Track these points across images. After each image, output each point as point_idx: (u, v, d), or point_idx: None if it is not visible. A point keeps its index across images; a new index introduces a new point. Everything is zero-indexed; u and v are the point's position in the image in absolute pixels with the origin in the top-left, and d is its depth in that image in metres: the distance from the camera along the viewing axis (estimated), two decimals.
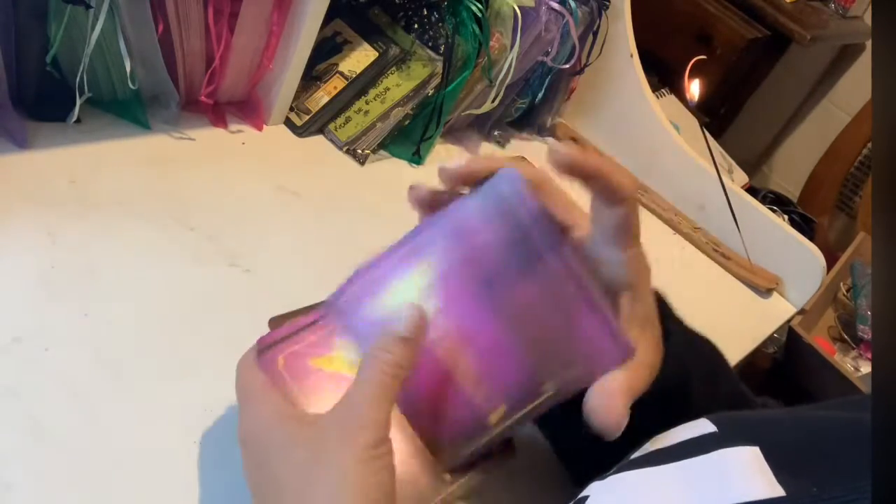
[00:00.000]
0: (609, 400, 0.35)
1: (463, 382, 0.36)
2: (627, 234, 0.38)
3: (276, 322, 0.41)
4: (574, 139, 1.03)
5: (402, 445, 0.36)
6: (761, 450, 0.32)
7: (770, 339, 1.07)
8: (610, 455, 0.38)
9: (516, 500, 0.52)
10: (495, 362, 0.37)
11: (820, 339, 1.25)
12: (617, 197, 0.37)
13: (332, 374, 0.37)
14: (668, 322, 0.43)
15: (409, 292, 0.38)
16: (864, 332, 1.29)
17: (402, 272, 0.38)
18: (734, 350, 0.80)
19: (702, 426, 0.36)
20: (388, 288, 0.39)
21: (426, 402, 0.37)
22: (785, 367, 1.22)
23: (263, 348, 0.39)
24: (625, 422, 0.35)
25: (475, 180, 0.39)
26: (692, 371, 0.44)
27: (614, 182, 0.36)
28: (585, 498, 0.35)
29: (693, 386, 0.43)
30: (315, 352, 0.38)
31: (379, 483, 0.32)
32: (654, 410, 0.39)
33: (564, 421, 0.44)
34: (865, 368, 1.25)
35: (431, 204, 0.41)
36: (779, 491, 0.29)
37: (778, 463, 0.31)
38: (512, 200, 0.37)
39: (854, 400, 0.38)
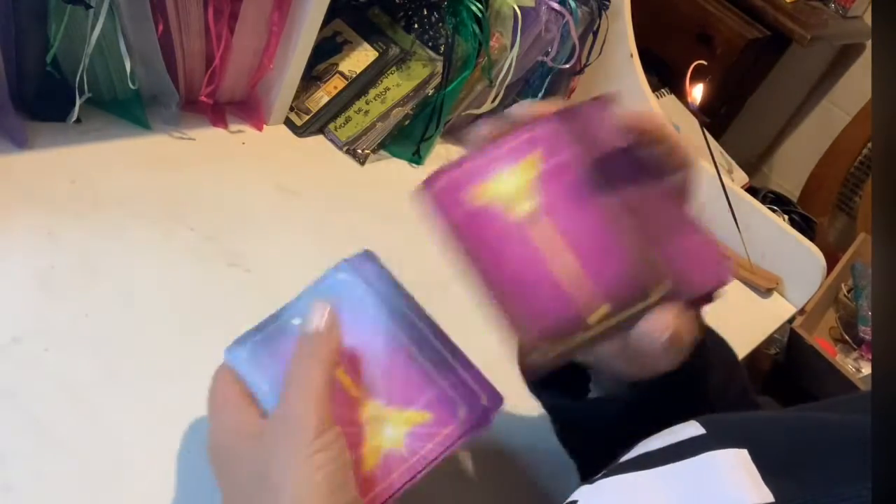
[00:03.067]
0: (654, 324, 0.35)
1: (564, 277, 0.36)
2: (686, 194, 0.39)
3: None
4: None
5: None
6: (749, 452, 0.32)
7: (770, 340, 1.07)
8: (617, 443, 0.38)
9: (505, 502, 0.52)
10: (602, 260, 0.36)
11: (821, 341, 1.25)
12: (679, 161, 0.38)
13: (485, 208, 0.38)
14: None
15: (515, 181, 0.38)
16: (866, 333, 1.29)
17: (512, 161, 0.38)
18: (734, 350, 0.80)
19: (690, 429, 0.35)
20: (493, 176, 0.38)
21: (523, 294, 0.36)
22: (786, 369, 1.22)
23: (232, 349, 0.40)
24: (661, 346, 0.34)
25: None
26: (712, 363, 0.44)
27: (675, 147, 0.37)
28: (574, 502, 0.35)
29: (710, 379, 0.43)
30: (472, 181, 0.38)
31: (328, 475, 0.32)
32: (670, 395, 0.39)
33: (575, 420, 0.44)
34: (867, 370, 1.25)
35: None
36: (766, 494, 0.29)
37: (766, 465, 0.31)
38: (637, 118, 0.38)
39: (845, 400, 0.38)
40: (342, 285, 0.40)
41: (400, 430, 0.37)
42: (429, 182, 0.38)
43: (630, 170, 0.38)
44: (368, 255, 0.42)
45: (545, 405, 0.47)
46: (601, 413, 0.43)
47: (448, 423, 0.37)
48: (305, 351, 0.36)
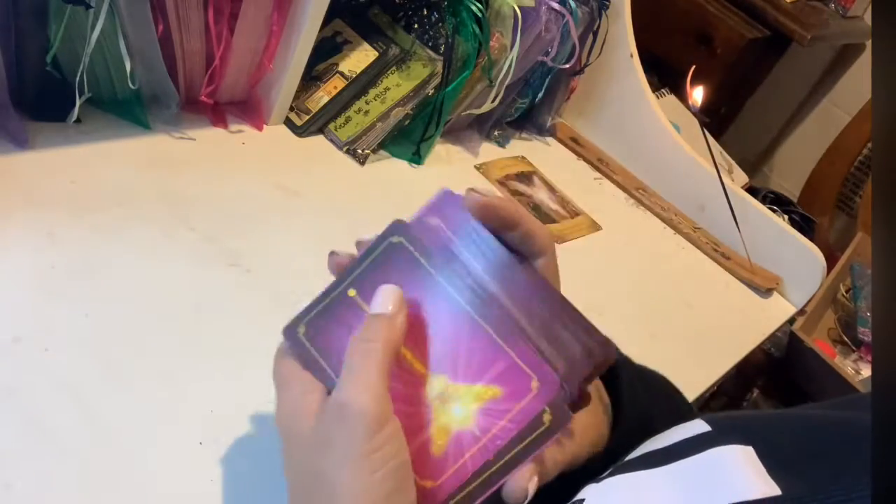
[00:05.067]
0: (516, 479, 0.34)
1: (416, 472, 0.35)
2: (554, 281, 0.38)
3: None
4: (574, 139, 1.03)
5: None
6: (755, 449, 0.32)
7: (770, 339, 1.07)
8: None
9: None
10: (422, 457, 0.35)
11: (820, 342, 1.25)
12: (536, 248, 0.37)
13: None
14: (619, 367, 0.43)
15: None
16: (865, 334, 1.29)
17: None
18: (734, 350, 0.80)
19: (696, 426, 0.36)
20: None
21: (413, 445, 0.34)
22: (786, 370, 1.22)
23: (290, 326, 0.38)
24: (526, 496, 0.33)
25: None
26: (652, 408, 0.43)
27: (533, 232, 0.36)
28: (581, 501, 0.35)
29: (656, 421, 0.43)
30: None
31: (384, 477, 0.31)
32: (624, 452, 0.39)
33: None
34: (866, 372, 1.25)
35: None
36: (774, 489, 0.29)
37: (771, 462, 0.31)
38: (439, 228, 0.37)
39: (847, 399, 0.38)
40: (394, 249, 0.37)
41: (469, 407, 0.35)
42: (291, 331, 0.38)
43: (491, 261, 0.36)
44: (452, 196, 0.38)
45: None
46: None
47: (522, 398, 0.34)
48: (368, 335, 0.34)
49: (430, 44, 0.77)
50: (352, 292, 0.37)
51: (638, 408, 0.42)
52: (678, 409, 0.47)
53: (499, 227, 0.36)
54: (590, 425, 0.40)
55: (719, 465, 0.32)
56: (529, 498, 0.33)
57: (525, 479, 0.33)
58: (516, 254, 0.37)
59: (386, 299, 0.35)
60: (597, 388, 0.41)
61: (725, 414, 0.37)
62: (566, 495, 0.36)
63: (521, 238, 0.36)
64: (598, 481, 0.36)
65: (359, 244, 0.39)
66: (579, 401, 0.35)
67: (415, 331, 0.36)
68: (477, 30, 0.77)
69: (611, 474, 0.36)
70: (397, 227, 0.38)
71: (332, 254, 0.39)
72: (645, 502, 0.33)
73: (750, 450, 0.32)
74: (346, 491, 0.31)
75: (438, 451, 0.34)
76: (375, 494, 0.31)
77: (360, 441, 0.31)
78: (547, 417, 0.34)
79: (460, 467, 0.34)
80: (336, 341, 0.36)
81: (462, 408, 0.35)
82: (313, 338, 0.37)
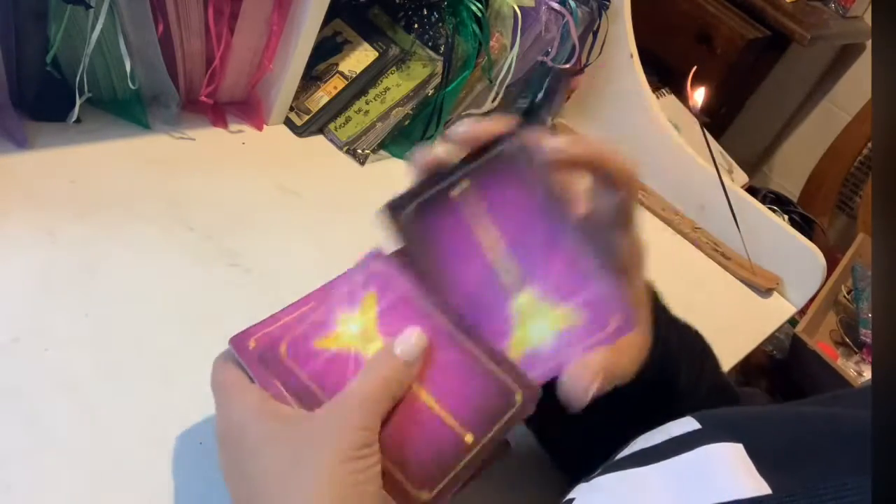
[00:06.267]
0: (582, 371, 0.34)
1: (425, 415, 0.35)
2: (625, 218, 0.37)
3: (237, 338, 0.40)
4: None
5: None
6: (745, 446, 0.32)
7: (772, 341, 1.07)
8: (598, 447, 0.38)
9: (503, 501, 0.52)
10: (455, 390, 0.36)
11: (822, 344, 1.25)
12: (617, 182, 0.36)
13: (338, 354, 0.37)
14: (658, 311, 0.43)
15: (357, 323, 0.38)
16: (867, 336, 1.29)
17: (351, 304, 0.38)
18: (734, 350, 0.80)
19: (685, 424, 0.36)
20: (336, 323, 0.38)
21: (401, 435, 0.35)
22: (788, 372, 1.22)
23: (241, 341, 0.38)
24: (588, 397, 0.34)
25: (479, 144, 0.38)
26: (680, 358, 0.44)
27: (615, 168, 0.36)
28: (572, 500, 0.35)
29: (680, 373, 0.43)
30: (318, 333, 0.37)
31: (361, 486, 0.32)
32: (641, 396, 0.39)
33: (552, 416, 0.44)
34: (868, 373, 1.25)
35: (435, 169, 0.40)
36: (764, 487, 0.29)
37: (761, 459, 0.31)
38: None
39: (832, 395, 0.38)
40: (504, 158, 0.37)
41: (549, 327, 0.35)
42: (243, 344, 0.38)
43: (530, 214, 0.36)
44: (527, 152, 0.37)
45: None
46: (582, 425, 0.43)
47: (596, 332, 0.35)
48: (382, 368, 0.35)
49: (430, 44, 0.77)
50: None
51: (667, 348, 0.42)
52: (703, 358, 0.47)
53: (582, 168, 0.36)
54: (640, 346, 0.39)
55: (709, 464, 0.32)
56: (592, 395, 0.34)
57: (587, 379, 0.34)
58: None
59: (411, 347, 0.36)
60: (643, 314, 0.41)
61: (715, 411, 0.37)
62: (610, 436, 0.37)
63: (602, 175, 0.36)
64: (588, 480, 0.36)
65: (448, 137, 0.38)
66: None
67: (517, 239, 0.36)
68: (477, 30, 0.77)
69: (601, 473, 0.36)
70: (511, 136, 0.37)
71: (414, 153, 0.39)
72: (635, 501, 0.33)
73: (739, 447, 0.32)
74: (322, 485, 0.31)
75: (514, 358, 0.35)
76: (350, 494, 0.31)
77: (345, 448, 0.32)
78: (519, 397, 0.35)
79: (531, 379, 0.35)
80: (324, 365, 0.37)
81: (542, 326, 0.35)
82: (296, 357, 0.37)
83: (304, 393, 0.36)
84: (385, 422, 0.35)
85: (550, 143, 0.35)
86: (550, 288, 0.36)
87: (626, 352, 0.37)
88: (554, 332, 0.35)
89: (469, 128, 0.38)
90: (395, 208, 0.38)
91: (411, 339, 0.36)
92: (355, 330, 0.37)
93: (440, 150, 0.38)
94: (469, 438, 0.35)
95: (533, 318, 0.35)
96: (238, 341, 0.38)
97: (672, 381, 0.43)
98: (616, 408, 0.39)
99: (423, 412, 0.35)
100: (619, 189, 0.36)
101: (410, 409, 0.35)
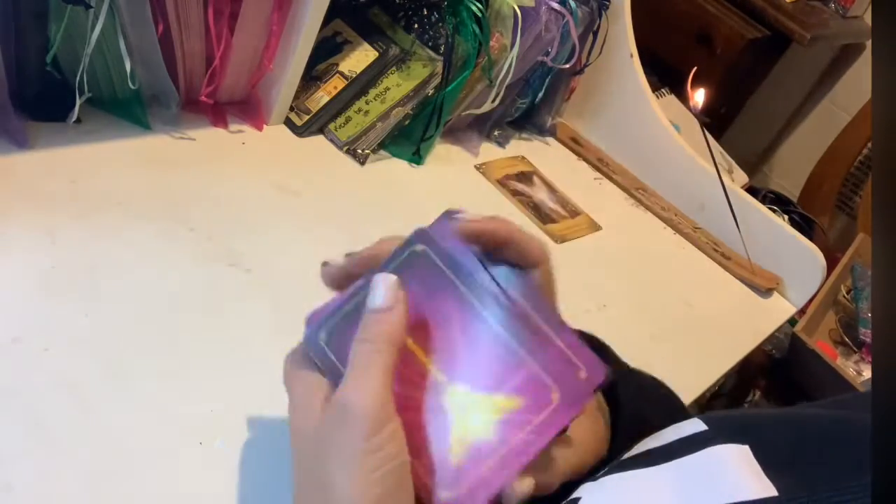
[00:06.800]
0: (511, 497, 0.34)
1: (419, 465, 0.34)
2: (549, 294, 0.38)
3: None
4: (574, 139, 1.04)
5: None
6: (751, 448, 0.32)
7: (772, 340, 1.07)
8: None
9: None
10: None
11: (821, 343, 1.25)
12: (532, 260, 0.37)
13: None
14: (616, 368, 0.43)
15: None
16: (866, 335, 1.29)
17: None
18: (734, 350, 0.80)
19: (692, 425, 0.36)
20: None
21: (424, 440, 0.34)
22: (787, 372, 1.22)
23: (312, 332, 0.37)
24: (516, 500, 0.33)
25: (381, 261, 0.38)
26: (647, 409, 0.43)
27: (526, 247, 0.37)
28: (577, 500, 0.35)
29: (653, 421, 0.43)
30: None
31: (381, 478, 0.31)
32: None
33: None
34: (867, 373, 1.25)
35: (342, 282, 0.39)
36: (770, 490, 0.29)
37: (767, 461, 0.31)
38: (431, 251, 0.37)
39: (841, 398, 0.38)
40: (418, 257, 0.37)
41: (489, 418, 0.34)
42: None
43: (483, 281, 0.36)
44: (448, 220, 0.37)
45: None
46: None
47: (542, 410, 0.34)
48: (367, 335, 0.34)
49: (430, 44, 0.77)
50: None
51: (635, 411, 0.42)
52: (673, 409, 0.47)
53: (492, 247, 0.37)
54: (590, 435, 0.40)
55: (715, 465, 0.32)
56: (520, 498, 0.33)
57: (522, 486, 0.33)
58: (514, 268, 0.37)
59: (382, 292, 0.34)
60: (595, 398, 0.41)
61: (721, 413, 0.37)
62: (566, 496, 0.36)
63: (515, 254, 0.37)
64: (594, 479, 0.36)
65: (349, 255, 0.39)
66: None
67: (437, 340, 0.36)
68: (477, 30, 0.77)
69: (607, 473, 0.36)
70: (420, 234, 0.37)
71: (324, 264, 0.39)
72: (641, 500, 0.33)
73: (746, 449, 0.32)
74: (343, 489, 0.31)
75: (456, 460, 0.34)
76: (373, 494, 0.31)
77: (359, 441, 0.31)
78: (556, 397, 0.34)
79: (479, 480, 0.33)
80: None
81: (481, 418, 0.34)
82: (333, 344, 0.36)
83: None
84: (408, 422, 0.34)
85: (467, 216, 0.36)
86: (482, 378, 0.35)
87: (583, 444, 0.37)
88: (495, 420, 0.35)
89: (371, 247, 0.38)
90: (310, 335, 0.37)
91: (380, 282, 0.35)
92: None
93: (346, 264, 0.38)
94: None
95: (471, 411, 0.35)
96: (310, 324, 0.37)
97: (648, 432, 0.43)
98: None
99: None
100: (535, 268, 0.37)
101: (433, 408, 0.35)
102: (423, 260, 0.37)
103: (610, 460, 0.40)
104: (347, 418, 0.32)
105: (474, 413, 0.35)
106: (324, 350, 0.36)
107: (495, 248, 0.37)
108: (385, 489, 0.31)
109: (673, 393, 0.48)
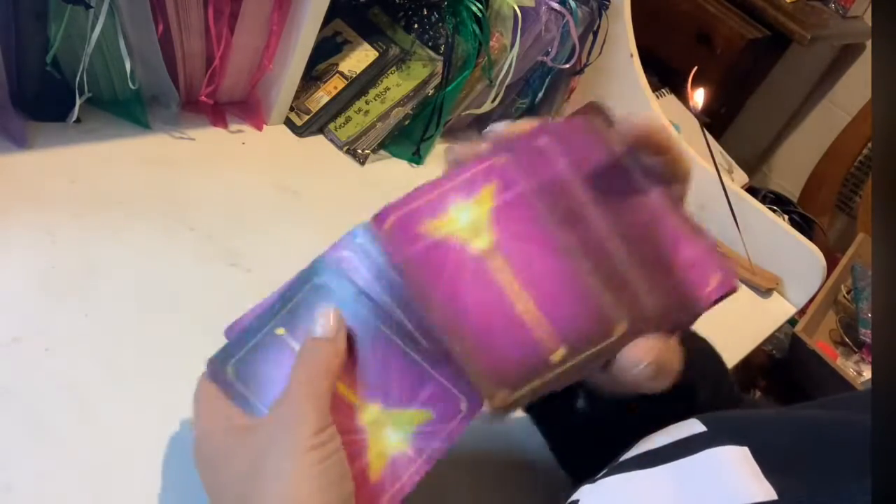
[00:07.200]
0: (637, 349, 0.34)
1: (522, 318, 0.34)
2: (681, 206, 0.39)
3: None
4: None
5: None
6: (750, 449, 0.32)
7: (772, 341, 1.07)
8: (606, 449, 0.38)
9: (506, 500, 0.52)
10: (555, 302, 0.35)
11: (822, 343, 1.25)
12: (680, 173, 0.38)
13: (441, 240, 0.36)
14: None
15: (471, 215, 0.36)
16: (866, 335, 1.29)
17: (467, 194, 0.37)
18: (734, 350, 0.80)
19: (691, 426, 0.36)
20: (449, 210, 0.36)
21: (483, 335, 0.34)
22: (787, 372, 1.22)
23: (217, 368, 0.39)
24: (636, 371, 0.34)
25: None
26: (700, 378, 0.43)
27: (679, 158, 0.37)
28: (576, 502, 0.35)
29: (699, 394, 0.43)
30: (427, 214, 0.37)
31: (324, 471, 0.32)
32: (657, 413, 0.39)
33: (562, 416, 0.44)
34: (867, 373, 1.25)
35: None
36: (770, 493, 0.29)
37: (767, 463, 0.31)
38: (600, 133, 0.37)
39: (840, 398, 0.38)
40: (323, 288, 0.39)
41: (404, 431, 0.36)
42: (379, 218, 0.37)
43: (621, 185, 0.37)
44: (348, 244, 0.39)
45: (532, 417, 0.48)
46: (591, 424, 0.43)
47: (452, 419, 0.36)
48: (310, 356, 0.36)
49: (430, 44, 0.77)
50: (280, 331, 0.38)
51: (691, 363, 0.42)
52: (719, 379, 0.47)
53: (652, 152, 0.37)
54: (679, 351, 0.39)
55: (715, 467, 0.32)
56: (643, 369, 0.34)
57: (643, 353, 0.34)
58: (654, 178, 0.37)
59: (326, 322, 0.36)
60: None
61: (721, 413, 0.37)
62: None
63: (668, 163, 0.37)
64: (593, 482, 0.36)
65: (487, 135, 0.39)
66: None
67: (344, 362, 0.37)
68: (477, 30, 0.77)
69: (606, 474, 0.36)
70: (316, 267, 0.39)
71: (450, 148, 0.39)
72: (640, 503, 0.33)
73: (746, 450, 0.32)
74: (289, 484, 0.32)
75: (375, 476, 0.35)
76: (317, 485, 0.32)
77: (302, 439, 0.32)
78: (619, 329, 0.34)
79: (398, 490, 0.35)
80: (266, 379, 0.37)
81: (397, 432, 0.36)
82: (242, 377, 0.38)
83: None
84: (470, 316, 0.34)
85: (636, 121, 0.36)
86: (393, 395, 0.36)
87: (675, 349, 0.37)
88: (410, 432, 0.36)
89: (511, 127, 0.39)
90: (215, 370, 0.38)
91: (323, 316, 0.37)
92: (465, 221, 0.36)
93: (479, 147, 0.38)
94: (558, 356, 0.34)
95: (386, 427, 0.36)
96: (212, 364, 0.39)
97: (691, 402, 0.42)
98: (629, 425, 0.39)
99: (514, 318, 0.34)
100: (679, 182, 0.38)
101: (502, 311, 0.34)
102: (322, 291, 0.39)
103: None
104: (290, 425, 0.33)
105: (389, 428, 0.36)
106: (232, 383, 0.38)
107: (655, 154, 0.37)
108: (328, 480, 0.32)
109: (718, 354, 0.48)
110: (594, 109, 0.39)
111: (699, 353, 0.45)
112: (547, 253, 0.36)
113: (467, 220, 0.36)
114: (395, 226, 0.37)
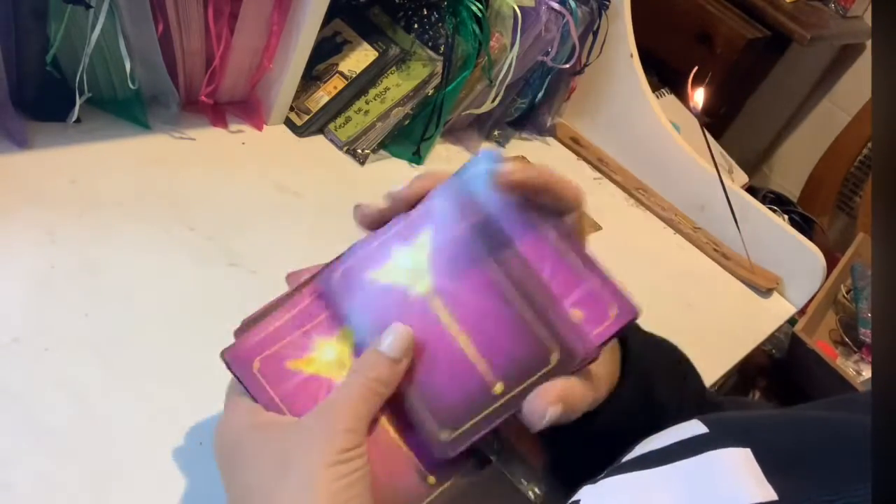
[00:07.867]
0: (539, 399, 0.35)
1: (465, 356, 0.36)
2: (580, 238, 0.39)
3: (245, 326, 0.41)
4: (574, 139, 1.03)
5: (386, 451, 0.36)
6: (752, 451, 0.32)
7: (771, 340, 1.07)
8: (591, 462, 0.39)
9: (506, 501, 0.52)
10: (491, 339, 0.36)
11: (821, 343, 1.25)
12: (567, 206, 0.38)
13: (310, 378, 0.37)
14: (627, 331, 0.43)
15: (411, 261, 0.38)
16: (866, 335, 1.29)
17: (406, 242, 0.39)
18: (734, 350, 0.80)
19: (693, 427, 0.36)
20: (381, 267, 0.39)
21: (431, 371, 0.36)
22: (787, 372, 1.22)
23: (236, 353, 0.39)
24: (543, 424, 0.35)
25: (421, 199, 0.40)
26: (654, 371, 0.44)
27: (563, 193, 0.37)
28: (577, 502, 0.35)
29: (655, 388, 0.43)
30: (292, 354, 0.38)
31: (347, 486, 0.32)
32: (625, 415, 0.40)
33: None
34: (867, 373, 1.25)
35: (378, 223, 0.41)
36: (770, 493, 0.29)
37: (769, 465, 0.31)
38: (473, 194, 0.38)
39: (843, 399, 0.38)
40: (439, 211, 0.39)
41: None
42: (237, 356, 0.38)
43: (519, 227, 0.38)
44: (485, 173, 0.38)
45: None
46: (562, 443, 0.43)
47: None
48: (367, 369, 0.35)
49: (430, 44, 0.77)
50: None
51: (641, 365, 0.43)
52: (677, 361, 0.48)
53: (530, 195, 0.37)
54: (605, 368, 0.41)
55: (716, 469, 0.32)
56: (547, 421, 0.35)
57: (545, 401, 0.35)
58: (547, 213, 0.38)
59: (397, 342, 0.36)
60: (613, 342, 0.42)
61: (722, 414, 0.37)
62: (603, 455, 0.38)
63: (551, 199, 0.37)
64: (594, 482, 0.36)
65: (388, 196, 0.41)
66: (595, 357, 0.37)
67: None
68: (477, 30, 0.77)
69: (607, 475, 0.36)
70: (448, 192, 0.39)
71: (357, 207, 0.41)
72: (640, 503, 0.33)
73: (748, 452, 0.32)
74: (309, 489, 0.32)
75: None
76: (336, 499, 0.32)
77: (332, 450, 0.32)
78: (554, 358, 0.36)
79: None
80: (295, 386, 0.37)
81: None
82: (268, 375, 0.38)
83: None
84: (417, 356, 0.36)
85: (505, 168, 0.36)
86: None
87: (584, 383, 0.38)
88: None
89: (409, 186, 0.40)
90: (238, 360, 0.38)
91: (398, 332, 0.36)
92: (406, 267, 0.38)
93: (384, 205, 0.41)
94: (499, 388, 0.36)
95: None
96: (233, 354, 0.38)
97: (649, 396, 0.43)
98: (599, 429, 0.40)
99: (457, 354, 0.36)
100: (571, 210, 0.38)
101: (445, 349, 0.36)
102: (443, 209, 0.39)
103: (613, 400, 0.40)
104: (326, 431, 0.33)
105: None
106: (257, 379, 0.37)
107: (533, 196, 0.37)
108: (347, 495, 0.32)
109: (680, 351, 0.49)
110: (485, 160, 0.40)
111: (648, 349, 0.46)
112: (478, 293, 0.37)
113: (410, 267, 0.38)
114: (344, 275, 0.40)
